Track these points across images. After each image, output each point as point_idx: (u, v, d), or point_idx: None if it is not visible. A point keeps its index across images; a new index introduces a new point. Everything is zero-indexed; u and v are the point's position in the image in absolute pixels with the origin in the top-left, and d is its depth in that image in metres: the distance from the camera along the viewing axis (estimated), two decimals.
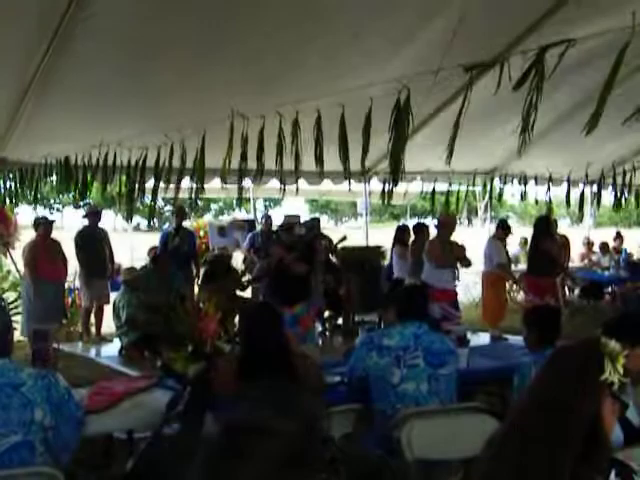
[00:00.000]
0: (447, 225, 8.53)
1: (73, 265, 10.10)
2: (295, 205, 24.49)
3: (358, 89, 5.55)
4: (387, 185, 9.37)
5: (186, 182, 7.53)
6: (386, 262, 10.41)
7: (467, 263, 8.67)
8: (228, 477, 1.45)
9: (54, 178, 8.38)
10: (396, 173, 5.28)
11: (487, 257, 9.64)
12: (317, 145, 5.97)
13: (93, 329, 9.99)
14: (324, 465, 1.58)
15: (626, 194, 10.81)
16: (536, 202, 12.46)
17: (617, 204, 10.96)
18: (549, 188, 11.35)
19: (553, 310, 5.11)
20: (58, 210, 44.41)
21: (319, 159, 5.98)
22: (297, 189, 7.06)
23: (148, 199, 8.40)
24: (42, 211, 24.19)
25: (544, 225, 9.20)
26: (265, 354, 3.96)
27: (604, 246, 15.00)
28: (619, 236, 15.40)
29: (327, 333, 9.79)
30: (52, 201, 41.65)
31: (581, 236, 15.89)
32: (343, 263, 10.07)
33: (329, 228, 29.35)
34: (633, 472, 2.10)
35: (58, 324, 9.39)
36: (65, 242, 9.83)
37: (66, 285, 10.67)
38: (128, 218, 9.42)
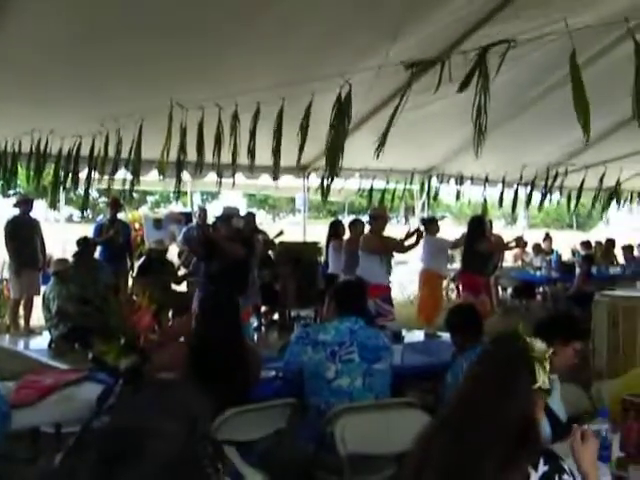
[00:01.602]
0: (379, 218, 8.57)
1: (1, 255, 9.81)
2: (233, 199, 24.33)
3: (299, 83, 5.53)
4: (325, 181, 9.44)
5: (122, 173, 7.40)
6: (322, 258, 10.42)
7: (404, 248, 8.79)
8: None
9: None
10: (333, 168, 5.27)
11: (426, 255, 9.75)
12: (252, 138, 5.93)
13: (21, 321, 9.72)
14: (208, 462, 1.58)
15: (551, 196, 11.14)
16: (469, 202, 12.67)
17: (540, 205, 11.29)
18: (485, 188, 11.58)
19: (469, 309, 5.21)
20: None
21: (252, 153, 5.94)
22: (234, 183, 7.00)
23: (81, 189, 8.22)
24: None
25: (478, 224, 9.32)
26: (220, 341, 4.04)
27: (537, 247, 15.33)
28: (548, 237, 15.80)
29: (263, 328, 9.77)
30: None
31: (514, 237, 16.18)
32: (280, 258, 10.05)
33: (267, 223, 29.26)
34: (561, 460, 2.16)
35: None
36: None
37: None
38: (52, 207, 9.22)
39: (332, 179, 5.51)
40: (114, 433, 1.53)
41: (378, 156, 4.95)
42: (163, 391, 1.73)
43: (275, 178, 7.01)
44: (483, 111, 4.25)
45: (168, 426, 1.52)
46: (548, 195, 11.13)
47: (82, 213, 21.63)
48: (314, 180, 10.74)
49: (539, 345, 2.21)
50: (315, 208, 35.85)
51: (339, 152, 5.13)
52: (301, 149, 5.62)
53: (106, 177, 7.31)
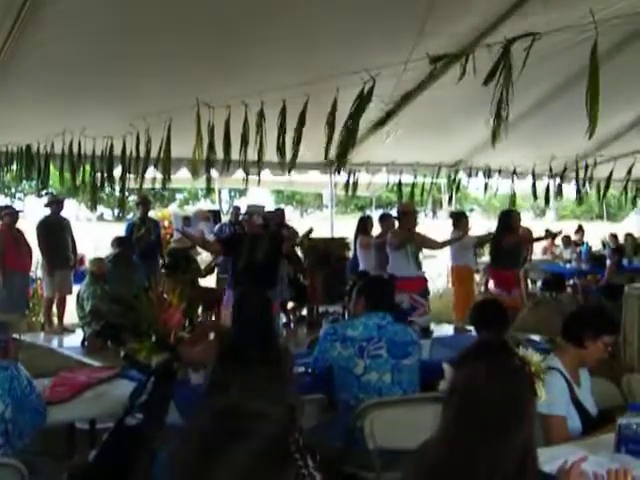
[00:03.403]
0: (408, 213, 8.51)
1: (35, 255, 9.96)
2: (260, 196, 24.47)
3: (324, 79, 5.55)
4: (352, 176, 9.47)
5: (151, 171, 7.48)
6: (350, 254, 10.42)
7: (437, 244, 8.79)
8: (218, 459, 1.46)
9: (15, 167, 8.27)
10: (341, 161, 5.29)
11: (452, 251, 9.68)
12: (280, 135, 5.96)
13: (55, 319, 9.87)
14: (299, 452, 1.62)
15: (587, 188, 11.01)
16: (495, 195, 12.56)
17: (579, 198, 11.16)
18: (513, 181, 11.49)
19: (493, 305, 5.14)
20: (20, 199, 43.74)
21: (281, 150, 5.97)
22: (259, 180, 7.04)
23: (114, 189, 8.34)
24: (3, 200, 23.80)
25: (504, 219, 9.24)
26: (257, 339, 4.07)
27: (566, 239, 15.18)
28: (580, 229, 15.62)
29: (291, 324, 9.82)
30: (13, 190, 41.04)
31: (544, 229, 16.06)
32: (308, 255, 10.07)
33: (295, 219, 29.31)
34: None
35: (22, 315, 9.28)
36: (27, 231, 9.69)
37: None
38: (92, 208, 9.35)
39: (338, 172, 5.55)
40: (227, 411, 1.57)
41: (385, 140, 4.96)
42: (268, 379, 1.74)
43: (289, 171, 6.93)
44: (504, 104, 4.23)
45: (274, 411, 1.56)
46: (581, 188, 11.00)
47: (119, 212, 21.70)
48: (341, 176, 10.75)
49: (535, 357, 2.11)
50: (342, 203, 35.87)
51: (349, 145, 5.14)
52: (328, 145, 5.64)
53: (138, 176, 7.40)
